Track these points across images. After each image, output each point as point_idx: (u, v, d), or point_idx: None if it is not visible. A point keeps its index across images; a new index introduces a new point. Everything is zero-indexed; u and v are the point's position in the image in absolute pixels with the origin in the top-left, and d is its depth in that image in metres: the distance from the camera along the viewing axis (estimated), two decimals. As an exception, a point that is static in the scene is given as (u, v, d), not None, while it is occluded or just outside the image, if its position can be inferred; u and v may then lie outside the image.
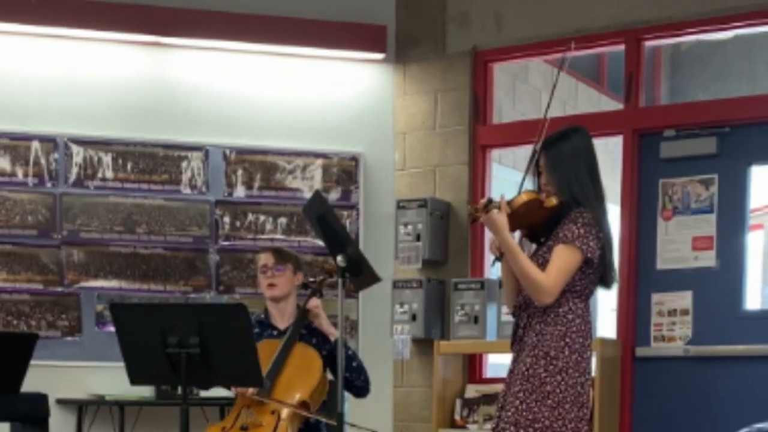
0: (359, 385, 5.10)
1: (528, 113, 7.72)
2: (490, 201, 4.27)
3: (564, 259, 4.22)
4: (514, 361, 4.37)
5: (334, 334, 5.06)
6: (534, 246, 4.44)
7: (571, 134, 4.37)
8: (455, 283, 6.36)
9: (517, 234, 4.43)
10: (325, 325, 5.08)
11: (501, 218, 4.23)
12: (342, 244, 4.58)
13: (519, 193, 4.36)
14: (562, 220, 4.29)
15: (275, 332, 5.11)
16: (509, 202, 4.29)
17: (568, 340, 4.25)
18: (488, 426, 6.11)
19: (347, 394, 5.06)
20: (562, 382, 4.23)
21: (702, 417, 5.79)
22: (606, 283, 4.41)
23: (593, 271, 4.31)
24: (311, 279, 5.24)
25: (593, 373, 5.70)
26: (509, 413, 4.27)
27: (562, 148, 4.33)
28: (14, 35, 6.21)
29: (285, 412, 4.78)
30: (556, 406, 4.22)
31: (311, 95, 6.63)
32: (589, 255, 4.23)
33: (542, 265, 4.26)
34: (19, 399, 5.27)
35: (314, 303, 5.08)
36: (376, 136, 6.72)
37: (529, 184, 4.45)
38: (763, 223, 7.04)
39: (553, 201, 4.32)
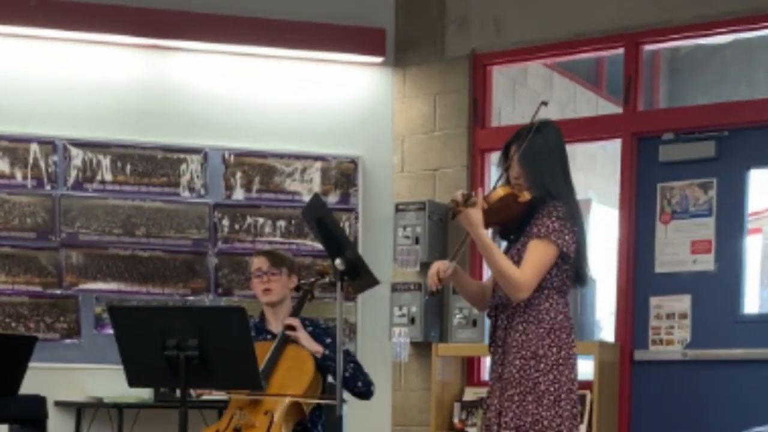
0: (359, 392, 5.05)
1: (527, 117, 7.69)
2: (470, 195, 4.13)
3: (539, 254, 4.14)
4: (500, 363, 4.28)
5: (319, 351, 4.93)
6: (504, 243, 4.36)
7: (543, 128, 4.28)
8: (454, 286, 6.35)
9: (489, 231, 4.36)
10: (306, 344, 4.95)
11: (476, 213, 4.12)
12: (341, 247, 4.58)
13: (494, 188, 4.27)
14: (534, 215, 4.21)
15: (269, 336, 5.07)
16: (485, 197, 4.20)
17: (553, 337, 4.19)
18: (486, 429, 6.12)
19: (346, 395, 5.03)
20: (555, 380, 4.17)
21: (700, 421, 5.78)
22: (581, 281, 4.33)
23: (569, 267, 4.23)
24: (303, 281, 5.20)
25: (591, 377, 5.73)
26: (508, 418, 4.21)
27: (535, 141, 4.24)
28: (14, 37, 6.21)
29: (278, 413, 4.78)
30: (552, 405, 4.17)
31: (310, 98, 6.62)
32: (564, 249, 4.15)
33: (517, 262, 4.17)
34: (18, 401, 5.28)
35: (290, 322, 4.97)
36: (375, 139, 6.71)
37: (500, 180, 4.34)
38: (762, 227, 7.03)
39: (527, 196, 4.22)
